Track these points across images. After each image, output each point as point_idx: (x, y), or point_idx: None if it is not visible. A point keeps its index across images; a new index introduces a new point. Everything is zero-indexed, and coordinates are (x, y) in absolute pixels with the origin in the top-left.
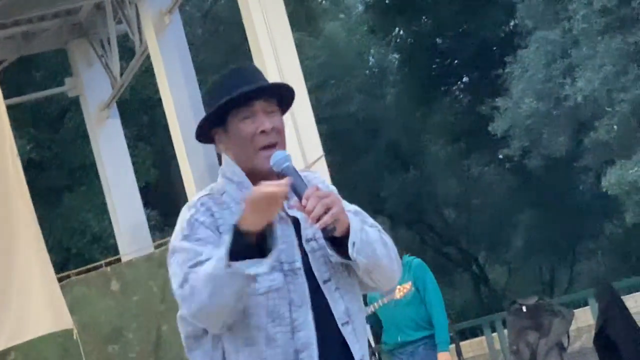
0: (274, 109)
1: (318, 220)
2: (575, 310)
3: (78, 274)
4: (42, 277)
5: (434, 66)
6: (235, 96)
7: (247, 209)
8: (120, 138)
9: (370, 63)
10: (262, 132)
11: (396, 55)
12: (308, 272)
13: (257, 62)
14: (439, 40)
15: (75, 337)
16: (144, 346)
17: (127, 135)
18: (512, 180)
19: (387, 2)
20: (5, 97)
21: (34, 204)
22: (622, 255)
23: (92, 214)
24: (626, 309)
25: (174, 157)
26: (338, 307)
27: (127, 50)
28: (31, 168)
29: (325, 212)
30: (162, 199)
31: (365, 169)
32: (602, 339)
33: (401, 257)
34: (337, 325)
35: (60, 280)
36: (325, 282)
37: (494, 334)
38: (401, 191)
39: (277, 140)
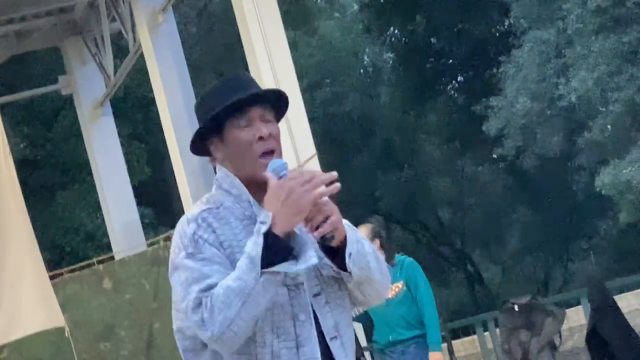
0: (271, 117)
1: (317, 228)
2: (567, 310)
3: (71, 272)
4: (34, 275)
5: (428, 65)
6: (231, 103)
7: (286, 209)
8: (114, 136)
9: (365, 62)
10: (260, 138)
11: (391, 55)
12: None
13: (250, 61)
14: (433, 40)
15: (67, 335)
16: (136, 344)
17: (121, 134)
18: (506, 179)
19: (382, 1)
20: None
21: (28, 202)
22: (617, 255)
23: (86, 212)
24: (618, 308)
25: (167, 155)
26: (327, 321)
27: (121, 49)
28: (25, 166)
29: (324, 221)
30: (156, 197)
31: (360, 168)
32: (594, 338)
33: (394, 256)
34: (325, 339)
35: (53, 278)
36: (315, 295)
37: (486, 333)
38: (395, 190)
39: (274, 147)
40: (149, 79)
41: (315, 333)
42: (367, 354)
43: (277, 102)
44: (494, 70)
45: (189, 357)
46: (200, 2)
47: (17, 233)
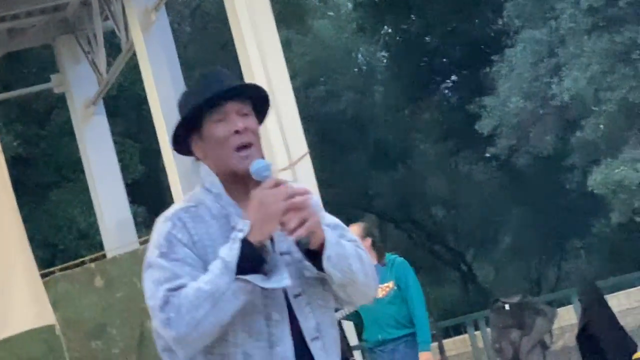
0: (248, 111)
1: (293, 232)
2: (558, 309)
3: (62, 270)
4: (25, 273)
5: (422, 64)
6: (206, 99)
7: (257, 217)
8: (107, 135)
9: (359, 61)
10: (236, 132)
11: (385, 54)
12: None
13: (242, 61)
14: (427, 39)
15: (57, 333)
16: (127, 342)
17: (114, 132)
18: (499, 178)
19: (376, 0)
20: None
21: (21, 200)
22: (610, 254)
23: (79, 210)
24: (609, 307)
25: (160, 154)
26: (308, 322)
27: (113, 47)
28: (18, 164)
29: (301, 225)
30: (149, 195)
31: (354, 167)
32: (585, 337)
33: (385, 256)
34: (305, 340)
35: (45, 276)
36: (295, 296)
37: (477, 332)
38: (389, 189)
39: (251, 141)
40: (141, 78)
41: (289, 333)
42: (357, 352)
43: (257, 99)
44: (488, 69)
45: (165, 356)
46: (194, 1)
47: (8, 231)
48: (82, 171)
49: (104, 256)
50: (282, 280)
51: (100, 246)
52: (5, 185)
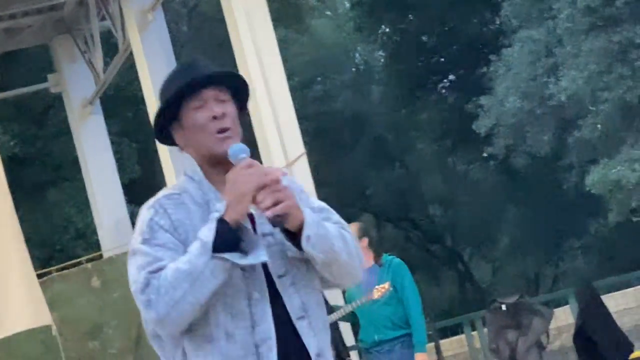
0: (226, 98)
1: (266, 210)
2: (555, 310)
3: (59, 270)
4: (21, 273)
5: (419, 64)
6: (182, 85)
7: (231, 196)
8: (103, 134)
9: (357, 60)
10: (214, 117)
11: (382, 53)
12: (264, 266)
13: (239, 60)
14: (425, 38)
15: (54, 334)
16: (124, 342)
17: (111, 132)
18: (497, 178)
19: None
20: None
21: (18, 199)
22: (608, 254)
23: (76, 210)
24: (605, 308)
25: (157, 154)
26: (293, 301)
27: (110, 47)
28: (15, 164)
29: (275, 204)
30: (146, 195)
31: (351, 166)
32: (582, 338)
33: (381, 256)
34: (292, 319)
35: (41, 276)
36: (279, 276)
37: (474, 333)
38: (387, 188)
39: (229, 126)
40: (138, 77)
41: (269, 312)
42: (354, 353)
43: (238, 88)
44: (485, 69)
45: (154, 343)
46: (191, 1)
47: (4, 231)
48: (79, 171)
49: (101, 256)
50: (259, 256)
51: (97, 246)
52: (2, 185)
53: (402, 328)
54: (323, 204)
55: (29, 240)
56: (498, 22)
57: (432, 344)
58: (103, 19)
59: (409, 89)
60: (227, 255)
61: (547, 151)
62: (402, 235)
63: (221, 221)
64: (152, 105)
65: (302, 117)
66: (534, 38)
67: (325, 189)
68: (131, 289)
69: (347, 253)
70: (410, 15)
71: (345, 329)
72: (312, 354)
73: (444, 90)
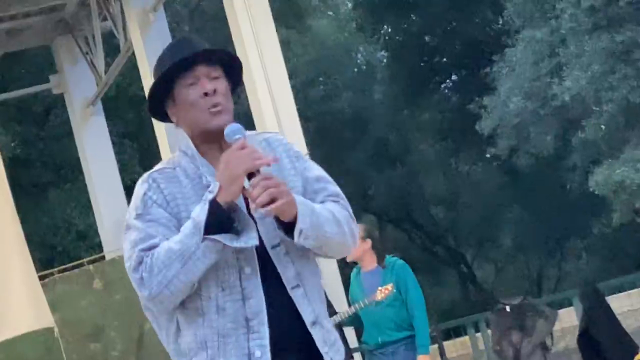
0: (218, 74)
1: (260, 207)
2: (559, 311)
3: (61, 272)
4: (23, 275)
5: (422, 64)
6: (175, 62)
7: (223, 178)
8: (105, 135)
9: (359, 60)
10: (205, 94)
11: (384, 53)
12: (258, 238)
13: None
14: (427, 38)
15: (56, 336)
16: (126, 344)
17: (113, 133)
18: (500, 178)
19: None
20: None
21: (19, 200)
22: (610, 255)
23: (77, 212)
24: (610, 309)
25: (159, 155)
26: (287, 271)
27: (112, 48)
28: (16, 165)
29: (270, 202)
30: None
31: (353, 167)
32: (586, 339)
33: (385, 258)
34: (286, 289)
35: (43, 278)
36: (273, 247)
37: (478, 334)
38: (389, 189)
39: (220, 102)
40: (140, 78)
41: (260, 286)
42: (357, 355)
43: (231, 66)
44: (488, 69)
45: (149, 316)
46: (192, 1)
47: (6, 232)
48: (81, 172)
49: (103, 258)
50: (250, 239)
51: (99, 247)
52: (3, 186)
53: (405, 330)
54: (320, 172)
55: (29, 242)
56: (501, 22)
57: (435, 346)
58: (104, 19)
59: (411, 89)
60: (218, 237)
61: (550, 151)
62: (404, 236)
63: (214, 202)
64: None
65: (303, 117)
66: (537, 38)
67: None
68: (125, 264)
69: (340, 234)
70: (412, 15)
71: (348, 330)
72: (308, 321)
73: (446, 91)
